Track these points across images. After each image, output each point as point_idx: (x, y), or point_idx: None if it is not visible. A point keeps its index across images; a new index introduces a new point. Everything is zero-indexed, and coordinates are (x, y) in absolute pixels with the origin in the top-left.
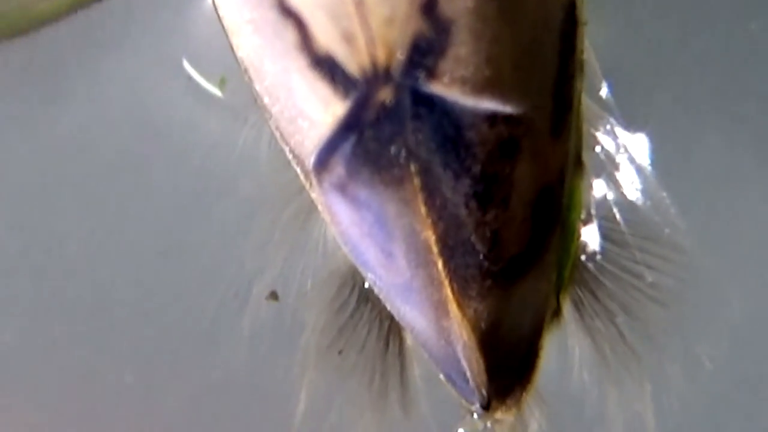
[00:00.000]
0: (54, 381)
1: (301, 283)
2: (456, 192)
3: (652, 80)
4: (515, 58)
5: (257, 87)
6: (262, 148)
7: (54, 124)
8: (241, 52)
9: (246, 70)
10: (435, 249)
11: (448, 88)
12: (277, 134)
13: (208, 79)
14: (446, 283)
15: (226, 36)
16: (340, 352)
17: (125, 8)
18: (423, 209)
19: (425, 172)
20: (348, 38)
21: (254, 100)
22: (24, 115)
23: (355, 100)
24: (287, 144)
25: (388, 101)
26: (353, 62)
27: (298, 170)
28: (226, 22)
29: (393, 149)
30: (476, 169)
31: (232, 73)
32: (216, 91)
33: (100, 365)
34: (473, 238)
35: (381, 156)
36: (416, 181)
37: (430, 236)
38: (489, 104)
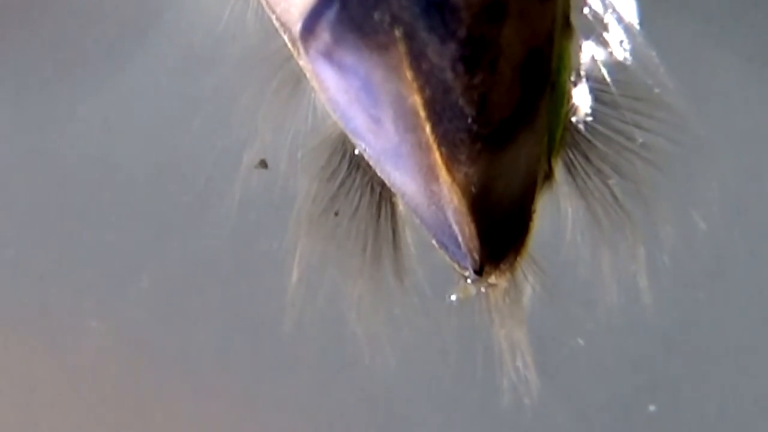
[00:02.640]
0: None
1: (291, 151)
2: (442, 56)
3: None
4: None
5: None
6: (249, 17)
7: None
8: None
9: None
10: (422, 114)
11: None
12: (263, 2)
13: None
14: (435, 147)
15: None
16: (336, 214)
17: None
18: (409, 74)
19: (410, 37)
20: None
21: None
22: None
23: None
24: (273, 12)
25: None
26: None
27: (286, 38)
28: None
29: (377, 15)
30: (462, 32)
31: None
32: None
33: (82, 229)
34: (461, 101)
35: (366, 21)
36: (401, 47)
37: (417, 101)
38: None
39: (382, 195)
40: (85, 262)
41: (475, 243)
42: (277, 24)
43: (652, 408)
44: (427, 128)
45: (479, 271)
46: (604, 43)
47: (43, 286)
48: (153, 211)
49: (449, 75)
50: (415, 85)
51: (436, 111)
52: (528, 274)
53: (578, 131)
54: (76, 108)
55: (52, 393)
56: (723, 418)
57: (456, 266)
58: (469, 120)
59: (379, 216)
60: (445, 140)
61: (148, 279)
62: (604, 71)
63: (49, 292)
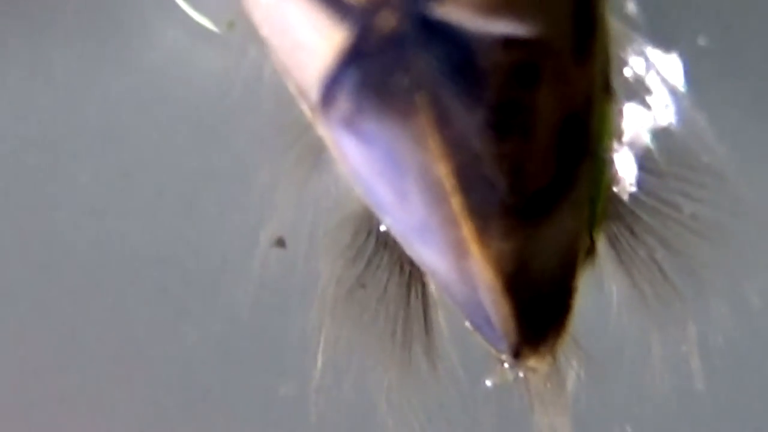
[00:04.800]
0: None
1: (311, 228)
2: (470, 123)
3: None
4: None
5: (255, 17)
6: (264, 84)
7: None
8: None
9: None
10: (450, 185)
11: (456, 11)
12: (280, 68)
13: (213, 16)
14: (464, 221)
15: None
16: (362, 286)
17: None
18: (434, 143)
19: (435, 104)
20: None
21: (255, 32)
22: None
23: (355, 28)
24: (290, 78)
25: (390, 28)
26: None
27: (304, 106)
28: None
29: (399, 80)
30: (491, 98)
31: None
32: (210, 26)
33: (98, 307)
34: (491, 171)
35: (387, 87)
36: (426, 114)
37: (443, 171)
38: (502, 27)
39: (412, 274)
40: (99, 345)
41: (511, 324)
42: (294, 91)
43: None
44: (456, 201)
45: (517, 355)
46: (648, 107)
47: (55, 369)
48: (166, 294)
49: (478, 143)
50: (440, 155)
51: (465, 182)
52: (570, 357)
53: (621, 202)
54: (87, 186)
55: None
56: None
57: (492, 350)
58: (501, 191)
59: (408, 297)
60: (475, 213)
61: (163, 364)
62: (649, 137)
63: (59, 379)
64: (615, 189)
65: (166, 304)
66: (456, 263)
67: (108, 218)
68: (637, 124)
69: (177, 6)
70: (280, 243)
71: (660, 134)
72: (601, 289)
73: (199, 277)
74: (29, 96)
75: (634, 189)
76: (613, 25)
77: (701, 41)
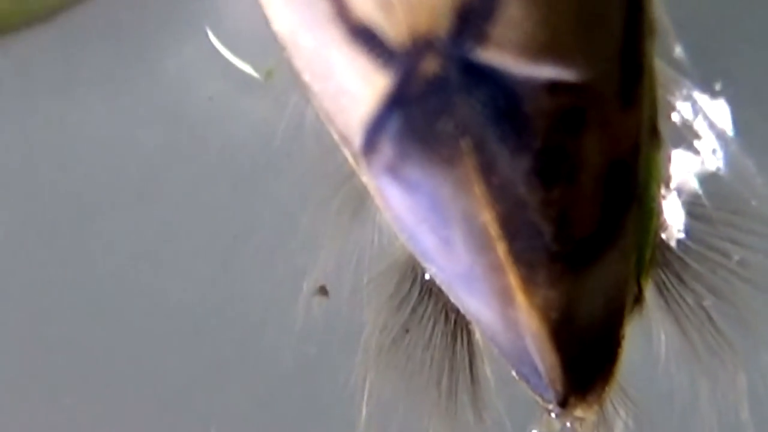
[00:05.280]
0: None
1: (355, 276)
2: (515, 169)
3: (732, 37)
4: (575, 17)
5: (296, 63)
6: (306, 130)
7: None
8: (276, 26)
9: (283, 45)
10: (495, 232)
11: (500, 56)
12: (322, 114)
13: (252, 64)
14: (510, 269)
15: (261, 9)
16: (407, 331)
17: None
18: (479, 189)
19: (480, 149)
20: (386, 6)
21: (295, 78)
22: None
23: (398, 74)
24: (332, 125)
25: (433, 72)
26: (393, 32)
27: (347, 153)
28: None
29: (443, 126)
30: (536, 143)
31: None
32: (251, 71)
33: (138, 358)
34: (537, 218)
35: (431, 133)
36: (470, 160)
37: (488, 218)
38: (547, 72)
39: (457, 323)
40: (139, 395)
41: (557, 373)
42: (336, 137)
43: None
44: (501, 248)
45: (564, 404)
46: (696, 152)
47: (100, 425)
48: (208, 344)
49: (523, 189)
50: (485, 201)
51: (510, 229)
52: (618, 407)
53: (669, 249)
54: (128, 236)
55: None
56: None
57: (538, 399)
58: (547, 238)
59: (454, 345)
60: (520, 261)
61: (206, 416)
62: (696, 183)
63: None
64: (662, 235)
65: (208, 355)
66: (502, 311)
67: (149, 268)
68: (684, 170)
69: (217, 53)
70: (323, 292)
71: (708, 179)
72: (649, 337)
73: (242, 326)
74: (69, 146)
75: (681, 235)
76: (660, 69)
77: (748, 86)
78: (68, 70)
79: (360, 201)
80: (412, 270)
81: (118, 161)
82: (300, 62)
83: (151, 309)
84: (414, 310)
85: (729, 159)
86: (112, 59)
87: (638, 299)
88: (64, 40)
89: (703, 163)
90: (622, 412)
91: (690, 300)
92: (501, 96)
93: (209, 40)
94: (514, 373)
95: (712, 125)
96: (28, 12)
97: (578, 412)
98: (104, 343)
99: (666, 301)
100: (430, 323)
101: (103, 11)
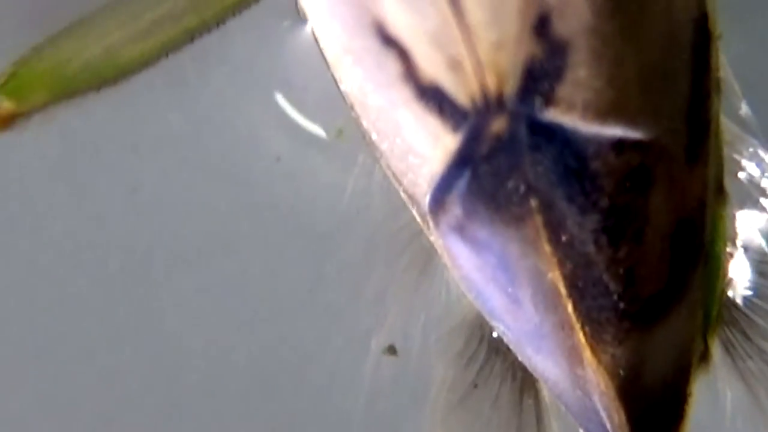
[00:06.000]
0: None
1: (423, 335)
2: (583, 228)
3: None
4: (641, 77)
5: (364, 123)
6: (374, 189)
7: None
8: (344, 86)
9: (351, 105)
10: (563, 291)
11: (568, 115)
12: (389, 173)
13: (319, 124)
14: (578, 327)
15: (328, 68)
16: (475, 386)
17: (220, 45)
18: (547, 248)
19: (547, 208)
20: (455, 66)
21: (363, 137)
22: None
23: (466, 133)
24: (400, 183)
25: (502, 132)
26: (462, 92)
27: (414, 211)
28: (326, 54)
29: (511, 184)
30: (604, 202)
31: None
32: (319, 131)
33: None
34: (605, 277)
35: (499, 192)
36: (538, 218)
37: (556, 277)
38: (615, 130)
39: (524, 380)
40: None
41: (625, 430)
42: (404, 197)
43: None
44: (569, 306)
45: None
46: (762, 210)
47: None
48: (278, 405)
49: (591, 248)
50: (553, 260)
51: (578, 287)
52: None
53: (736, 307)
54: (197, 293)
55: None
56: None
57: None
58: (615, 296)
59: (521, 404)
60: (588, 319)
61: None
62: (763, 241)
63: None
64: (729, 293)
65: (278, 413)
66: (569, 369)
67: (219, 326)
68: (750, 227)
69: (285, 114)
70: (391, 350)
71: None
72: (715, 394)
73: (312, 384)
74: (140, 205)
75: (748, 292)
76: (726, 126)
77: None
78: (140, 129)
79: (427, 259)
80: (480, 328)
81: (189, 220)
82: (368, 122)
83: (222, 367)
84: (482, 368)
85: None
86: (182, 119)
87: (704, 356)
88: (135, 99)
89: None
90: None
91: (757, 358)
92: (568, 155)
93: (277, 102)
94: (581, 431)
95: None
96: (119, 65)
97: None
98: (173, 400)
99: (732, 358)
100: (498, 381)
101: (174, 72)
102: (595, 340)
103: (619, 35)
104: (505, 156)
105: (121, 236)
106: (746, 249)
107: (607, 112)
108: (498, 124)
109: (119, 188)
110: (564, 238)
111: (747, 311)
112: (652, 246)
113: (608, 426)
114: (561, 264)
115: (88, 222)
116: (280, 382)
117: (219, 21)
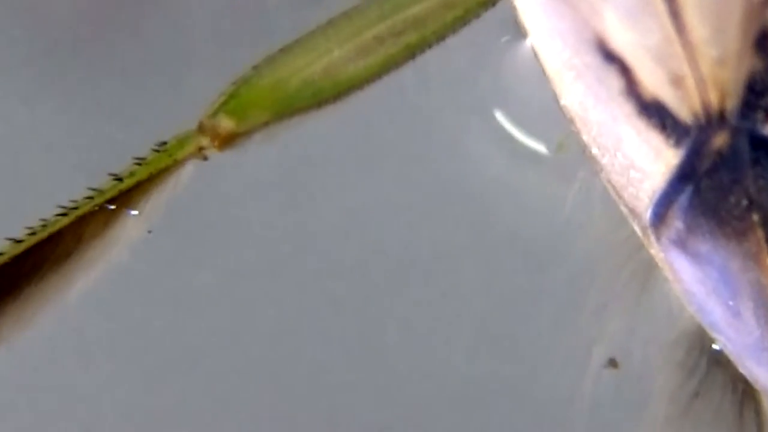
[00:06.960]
0: None
1: (644, 348)
2: None
3: None
4: None
5: (584, 137)
6: (595, 204)
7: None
8: (564, 101)
9: (571, 120)
10: None
11: None
12: (609, 187)
13: (538, 139)
14: None
15: (548, 83)
16: (696, 395)
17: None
18: None
19: None
20: (677, 82)
21: (583, 152)
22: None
23: (688, 148)
24: (620, 197)
25: (724, 147)
26: (684, 107)
27: (635, 225)
28: (546, 69)
29: (733, 199)
30: None
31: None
32: (538, 147)
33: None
34: None
35: (721, 207)
36: (760, 233)
37: None
38: None
39: (746, 393)
40: None
41: None
42: (624, 210)
43: None
44: None
45: None
46: None
47: None
48: (497, 421)
49: None
50: None
51: None
52: None
53: None
54: (411, 310)
55: None
56: None
57: None
58: None
59: (742, 416)
60: None
61: None
62: None
63: None
64: None
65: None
66: None
67: (437, 339)
68: None
69: (504, 130)
70: (613, 363)
71: None
72: None
73: (534, 399)
74: (349, 220)
75: None
76: None
77: None
78: (360, 146)
79: (648, 273)
80: (701, 340)
81: (408, 235)
82: (588, 136)
83: (436, 378)
84: (703, 379)
85: None
86: (402, 136)
87: None
88: (353, 115)
89: None
90: None
91: None
92: None
93: (496, 118)
94: None
95: None
96: (339, 83)
97: None
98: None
99: None
100: (719, 393)
101: (392, 90)
102: None
103: None
104: (726, 171)
105: (339, 250)
106: None
107: None
108: (720, 140)
109: (338, 202)
110: None
111: None
112: None
113: None
114: None
115: (308, 237)
116: (500, 393)
117: (439, 38)
